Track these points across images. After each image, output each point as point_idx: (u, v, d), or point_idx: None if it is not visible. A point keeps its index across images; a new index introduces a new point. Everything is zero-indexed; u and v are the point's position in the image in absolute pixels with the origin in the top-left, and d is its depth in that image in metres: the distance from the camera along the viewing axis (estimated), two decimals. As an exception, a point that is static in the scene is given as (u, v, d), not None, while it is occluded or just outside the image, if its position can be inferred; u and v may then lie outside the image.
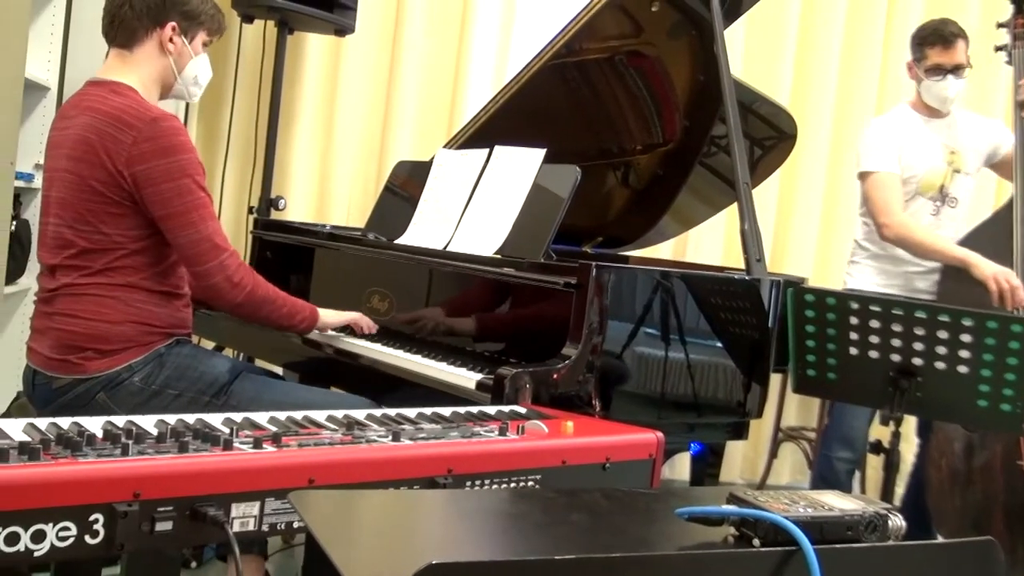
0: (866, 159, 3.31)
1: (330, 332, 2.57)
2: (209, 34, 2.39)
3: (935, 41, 3.27)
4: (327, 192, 4.04)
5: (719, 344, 2.41)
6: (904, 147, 3.29)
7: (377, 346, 2.47)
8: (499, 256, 2.44)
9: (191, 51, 2.34)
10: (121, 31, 2.29)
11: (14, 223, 3.12)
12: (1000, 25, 3.36)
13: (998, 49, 3.36)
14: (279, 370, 2.94)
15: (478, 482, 1.59)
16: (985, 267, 3.08)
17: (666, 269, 2.38)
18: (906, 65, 3.39)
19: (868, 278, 3.37)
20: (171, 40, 2.29)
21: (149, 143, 2.13)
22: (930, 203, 3.31)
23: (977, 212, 3.57)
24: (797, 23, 4.47)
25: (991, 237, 3.19)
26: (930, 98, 3.31)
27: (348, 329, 2.57)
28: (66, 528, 1.25)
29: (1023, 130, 3.21)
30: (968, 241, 3.21)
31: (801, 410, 4.52)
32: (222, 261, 2.21)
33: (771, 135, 3.34)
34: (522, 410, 1.95)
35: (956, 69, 3.27)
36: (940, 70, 3.27)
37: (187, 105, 3.73)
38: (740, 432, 2.52)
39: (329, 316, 2.49)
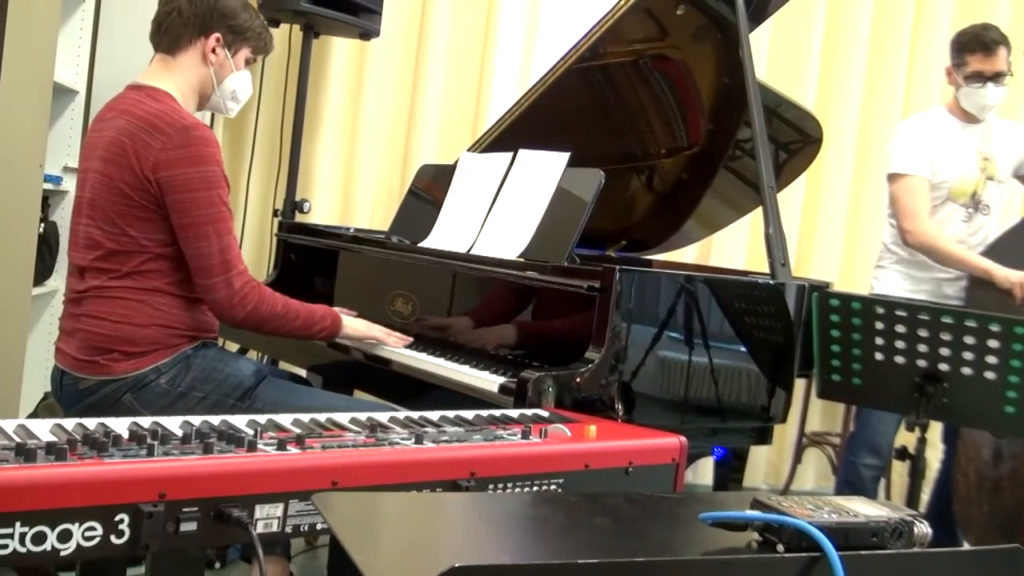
0: (897, 160, 3.28)
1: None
2: (254, 52, 2.40)
3: (976, 47, 3.22)
4: (351, 195, 4.06)
5: (743, 348, 2.40)
6: (937, 151, 3.25)
7: (401, 349, 2.48)
8: (523, 260, 2.44)
9: (232, 65, 2.35)
10: (167, 37, 2.30)
11: (43, 225, 3.15)
12: None
13: None
14: (303, 372, 2.95)
15: (500, 485, 1.59)
16: (1009, 275, 3.05)
17: (690, 273, 2.38)
18: (944, 70, 3.35)
19: (896, 283, 3.34)
20: (213, 51, 2.31)
21: (178, 150, 2.14)
22: (962, 209, 3.27)
23: (1009, 219, 3.54)
24: (823, 25, 4.45)
25: (1018, 244, 3.16)
26: (969, 105, 3.27)
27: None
28: (92, 528, 1.26)
29: None
30: (996, 246, 3.19)
31: (825, 415, 4.50)
32: (228, 278, 2.20)
33: (796, 139, 3.33)
34: (545, 414, 1.95)
35: (997, 76, 3.21)
36: (980, 77, 3.21)
37: (213, 109, 3.76)
38: (764, 437, 2.50)
39: (354, 327, 2.46)
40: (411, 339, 2.53)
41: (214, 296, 2.21)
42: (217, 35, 2.30)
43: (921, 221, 3.20)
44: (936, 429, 3.43)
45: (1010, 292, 3.04)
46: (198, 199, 2.16)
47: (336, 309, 2.48)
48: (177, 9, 2.29)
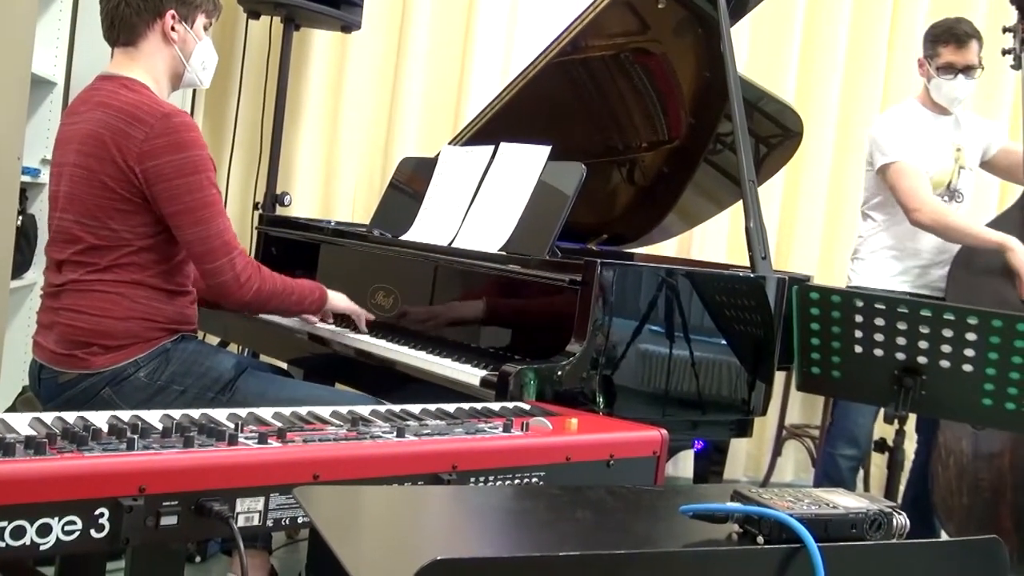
0: (887, 149, 3.28)
1: (335, 328, 2.58)
2: (207, 16, 2.38)
3: (948, 39, 3.24)
4: (332, 188, 4.04)
5: (723, 342, 2.41)
6: (916, 143, 3.28)
7: (382, 342, 2.48)
8: (504, 253, 2.44)
9: (194, 36, 2.34)
10: (123, 30, 2.28)
11: (20, 218, 3.12)
12: (1006, 29, 3.34)
13: (1005, 53, 3.35)
14: (284, 366, 2.94)
15: (482, 478, 1.59)
16: (1020, 251, 3.07)
17: (671, 266, 2.38)
18: (917, 61, 3.38)
19: (873, 274, 3.36)
20: (173, 28, 2.29)
21: (161, 139, 2.13)
22: (939, 199, 3.30)
23: (979, 205, 3.57)
24: (802, 19, 4.47)
25: (1016, 223, 3.19)
26: (940, 97, 3.30)
27: (351, 325, 2.58)
28: (72, 522, 1.26)
29: None
30: (993, 227, 3.21)
31: (805, 408, 4.52)
32: (232, 259, 2.21)
33: (776, 133, 3.34)
34: (526, 407, 1.95)
35: (968, 69, 3.24)
36: (952, 69, 3.24)
37: (192, 101, 3.73)
38: (744, 429, 2.51)
39: (337, 300, 2.51)
40: (373, 316, 2.58)
41: (221, 279, 2.21)
42: (171, 12, 2.28)
43: (927, 200, 3.20)
44: (913, 420, 3.45)
45: (1015, 272, 3.06)
46: (188, 184, 2.15)
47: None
48: (124, 1, 2.27)
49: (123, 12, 2.27)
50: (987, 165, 3.47)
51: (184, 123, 2.17)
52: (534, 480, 1.65)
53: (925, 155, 3.28)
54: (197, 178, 2.16)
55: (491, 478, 1.60)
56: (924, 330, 2.24)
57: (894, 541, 1.10)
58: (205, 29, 2.38)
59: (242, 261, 2.23)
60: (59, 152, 2.29)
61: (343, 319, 2.61)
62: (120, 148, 2.13)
